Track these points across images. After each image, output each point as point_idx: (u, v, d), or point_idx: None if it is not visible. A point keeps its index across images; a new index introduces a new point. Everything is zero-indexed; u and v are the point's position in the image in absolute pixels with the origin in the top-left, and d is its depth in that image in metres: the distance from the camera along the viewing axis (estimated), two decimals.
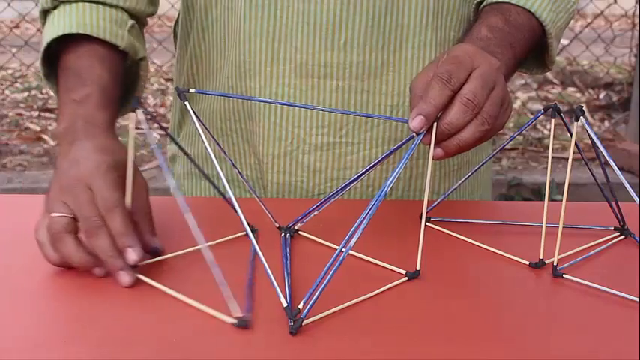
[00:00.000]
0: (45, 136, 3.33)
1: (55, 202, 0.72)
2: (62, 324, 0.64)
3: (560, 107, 0.73)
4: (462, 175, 1.04)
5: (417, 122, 0.70)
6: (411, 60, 0.95)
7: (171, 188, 0.66)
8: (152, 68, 4.69)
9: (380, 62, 0.94)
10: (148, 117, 0.67)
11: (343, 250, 0.63)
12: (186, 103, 0.70)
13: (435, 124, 0.71)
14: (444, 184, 1.03)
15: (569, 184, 0.73)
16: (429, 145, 0.72)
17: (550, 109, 0.72)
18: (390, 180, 0.65)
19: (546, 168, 3.10)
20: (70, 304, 0.67)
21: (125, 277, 0.69)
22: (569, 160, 0.74)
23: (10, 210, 0.89)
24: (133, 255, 0.69)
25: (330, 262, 0.62)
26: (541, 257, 0.73)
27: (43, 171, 3.05)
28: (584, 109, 0.70)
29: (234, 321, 0.62)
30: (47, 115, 3.60)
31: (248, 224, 0.75)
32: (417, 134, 0.70)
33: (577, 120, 0.69)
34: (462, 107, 0.71)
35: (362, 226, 0.62)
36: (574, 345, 0.60)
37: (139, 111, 0.67)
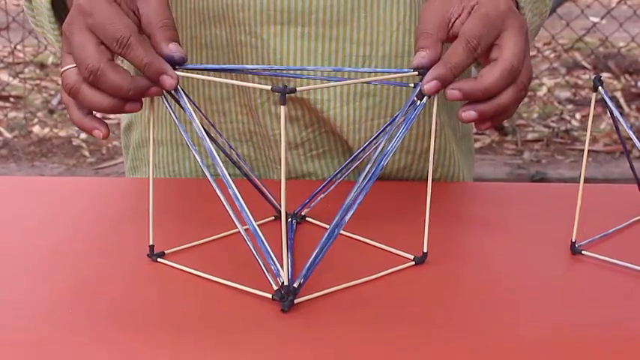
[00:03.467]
0: (0, 128, 3.39)
1: (63, 56, 0.75)
2: (69, 297, 0.70)
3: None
4: (463, 147, 1.08)
5: (431, 86, 0.72)
6: (384, 4, 0.93)
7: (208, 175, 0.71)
8: None
9: (350, 6, 0.92)
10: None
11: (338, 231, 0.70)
12: (178, 86, 0.72)
13: (442, 90, 0.73)
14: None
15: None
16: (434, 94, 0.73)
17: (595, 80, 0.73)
18: (390, 149, 0.69)
19: (574, 162, 3.13)
20: (75, 277, 0.73)
21: (169, 81, 0.72)
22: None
23: None
24: (169, 80, 0.72)
25: (324, 237, 0.68)
26: (573, 240, 0.79)
27: (3, 165, 3.12)
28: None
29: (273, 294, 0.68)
30: (0, 103, 3.67)
31: (277, 208, 0.83)
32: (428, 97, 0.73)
33: (595, 90, 0.75)
34: (505, 74, 0.74)
35: (358, 200, 0.68)
36: (594, 316, 0.68)
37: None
